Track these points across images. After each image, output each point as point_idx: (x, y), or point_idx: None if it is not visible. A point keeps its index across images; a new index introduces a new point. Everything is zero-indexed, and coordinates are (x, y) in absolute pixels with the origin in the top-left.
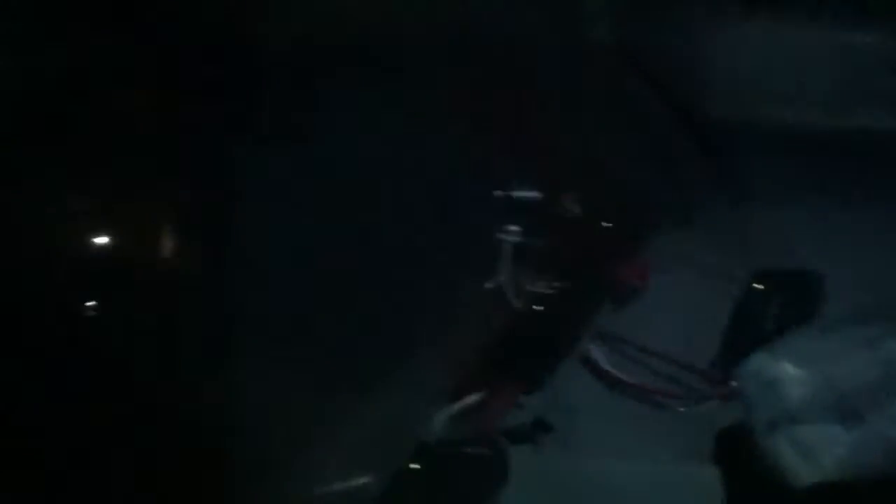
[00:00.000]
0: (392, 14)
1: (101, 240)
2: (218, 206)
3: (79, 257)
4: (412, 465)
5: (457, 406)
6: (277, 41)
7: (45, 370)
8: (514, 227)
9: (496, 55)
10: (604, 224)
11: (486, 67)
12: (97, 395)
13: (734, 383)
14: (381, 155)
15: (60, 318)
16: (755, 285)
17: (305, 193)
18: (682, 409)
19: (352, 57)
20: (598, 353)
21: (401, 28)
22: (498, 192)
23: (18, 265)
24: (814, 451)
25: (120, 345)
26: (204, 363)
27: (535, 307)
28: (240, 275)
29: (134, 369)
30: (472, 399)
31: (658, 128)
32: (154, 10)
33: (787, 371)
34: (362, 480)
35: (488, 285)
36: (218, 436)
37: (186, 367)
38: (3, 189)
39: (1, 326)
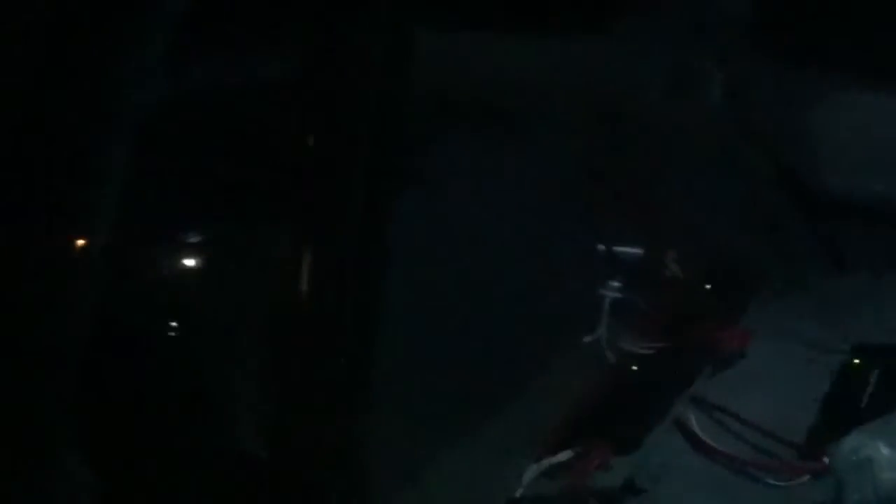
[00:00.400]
0: (516, 77)
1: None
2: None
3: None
4: None
5: (547, 463)
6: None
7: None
8: (614, 283)
9: (609, 118)
10: (704, 286)
11: (599, 129)
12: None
13: (827, 460)
14: (492, 205)
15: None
16: (854, 360)
17: (418, 239)
18: (773, 482)
19: (475, 114)
20: (692, 418)
21: (522, 91)
22: (600, 247)
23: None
24: None
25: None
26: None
27: (631, 366)
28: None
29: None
30: (563, 456)
31: (764, 195)
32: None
33: (881, 452)
34: None
35: (585, 340)
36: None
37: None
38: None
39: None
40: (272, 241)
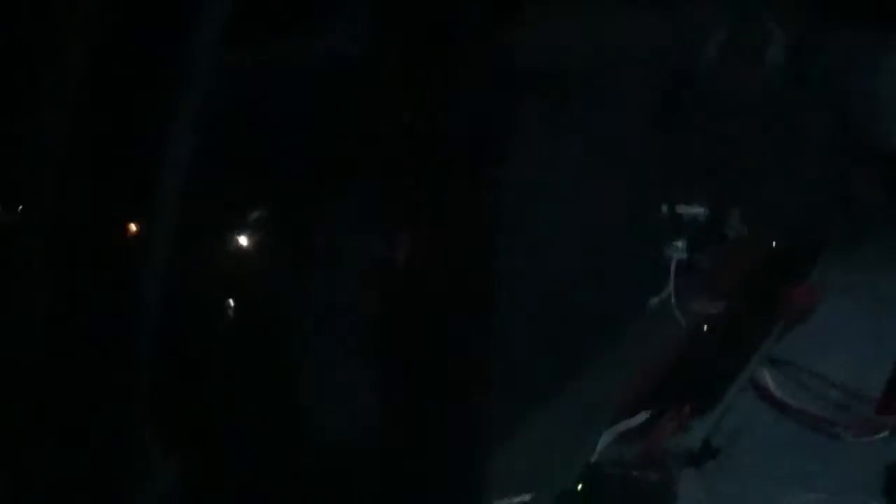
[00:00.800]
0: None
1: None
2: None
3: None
4: (576, 486)
5: (623, 426)
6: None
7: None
8: (680, 243)
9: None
10: (772, 244)
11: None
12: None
13: None
14: (559, 170)
15: None
16: None
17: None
18: (850, 438)
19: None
20: (768, 376)
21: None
22: (665, 208)
23: None
24: None
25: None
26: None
27: (703, 327)
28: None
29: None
30: (639, 419)
31: (830, 151)
32: None
33: None
34: (524, 499)
35: (653, 301)
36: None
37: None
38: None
39: None
40: (370, 226)
